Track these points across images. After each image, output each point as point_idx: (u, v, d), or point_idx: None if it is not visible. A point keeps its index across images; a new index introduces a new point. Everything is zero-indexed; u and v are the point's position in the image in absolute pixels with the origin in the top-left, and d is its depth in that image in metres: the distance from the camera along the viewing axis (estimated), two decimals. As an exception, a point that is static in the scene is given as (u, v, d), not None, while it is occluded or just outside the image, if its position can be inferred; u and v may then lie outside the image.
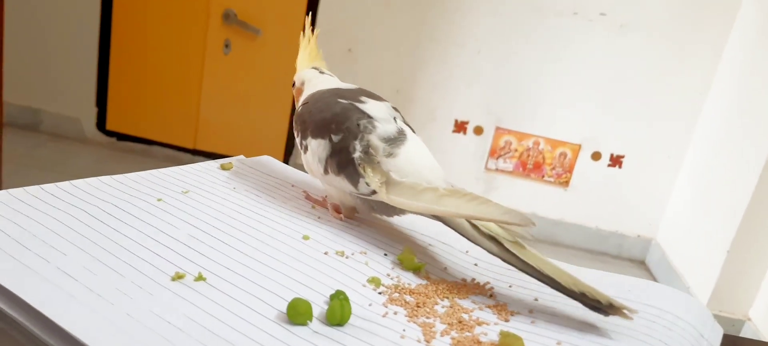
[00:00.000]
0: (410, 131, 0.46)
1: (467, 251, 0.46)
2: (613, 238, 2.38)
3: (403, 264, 0.42)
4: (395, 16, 2.19)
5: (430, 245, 0.46)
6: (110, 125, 2.43)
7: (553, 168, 2.33)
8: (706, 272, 1.95)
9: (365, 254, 0.42)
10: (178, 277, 0.35)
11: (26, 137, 2.36)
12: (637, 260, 2.38)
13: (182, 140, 2.40)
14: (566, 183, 2.35)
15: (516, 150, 2.32)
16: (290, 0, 2.21)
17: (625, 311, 0.36)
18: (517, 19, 2.17)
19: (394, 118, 0.46)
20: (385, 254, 0.43)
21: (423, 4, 2.17)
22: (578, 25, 2.15)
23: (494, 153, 2.33)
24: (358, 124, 0.44)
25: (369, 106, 0.46)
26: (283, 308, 0.34)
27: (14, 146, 2.16)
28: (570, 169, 2.33)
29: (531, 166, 2.33)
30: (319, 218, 0.46)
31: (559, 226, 2.37)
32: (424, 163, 0.44)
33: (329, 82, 0.51)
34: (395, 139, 0.44)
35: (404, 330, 0.35)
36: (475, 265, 0.44)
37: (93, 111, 2.42)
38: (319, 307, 0.35)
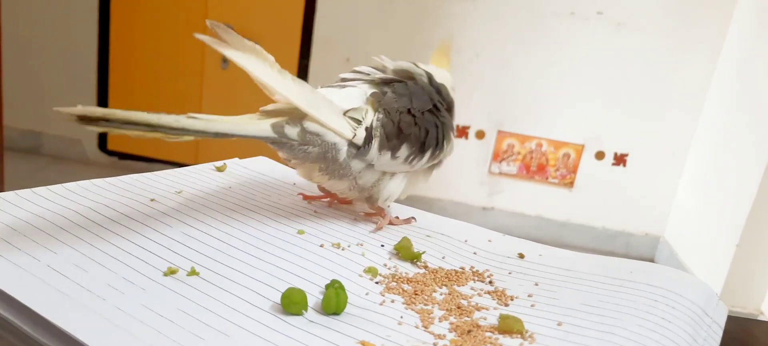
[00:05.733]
0: (352, 88, 0.44)
1: (466, 240, 0.45)
2: (621, 237, 2.36)
3: (400, 253, 0.41)
4: (391, 24, 2.20)
5: (428, 235, 0.45)
6: (112, 145, 2.44)
7: (557, 169, 2.32)
8: (716, 267, 1.93)
9: (362, 245, 0.42)
10: (171, 272, 0.34)
11: (28, 161, 2.37)
12: (645, 259, 2.36)
13: (184, 157, 2.40)
14: (571, 184, 2.34)
15: (519, 153, 2.31)
16: (286, 12, 2.21)
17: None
18: (513, 21, 2.17)
19: (367, 75, 0.45)
20: (382, 245, 0.42)
21: (419, 11, 2.17)
22: (576, 25, 2.15)
23: (497, 157, 2.32)
24: None
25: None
26: (278, 298, 0.33)
27: (16, 170, 2.16)
28: (574, 170, 2.32)
29: (535, 169, 2.33)
30: (315, 212, 0.46)
31: (566, 227, 2.36)
32: None
33: None
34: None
35: (402, 317, 0.34)
36: (474, 253, 0.44)
37: (94, 132, 2.43)
38: (314, 297, 0.35)
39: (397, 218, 0.47)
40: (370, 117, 0.42)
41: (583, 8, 2.13)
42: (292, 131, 0.40)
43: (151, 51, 2.30)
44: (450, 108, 0.48)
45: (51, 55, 2.37)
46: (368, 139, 0.42)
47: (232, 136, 0.38)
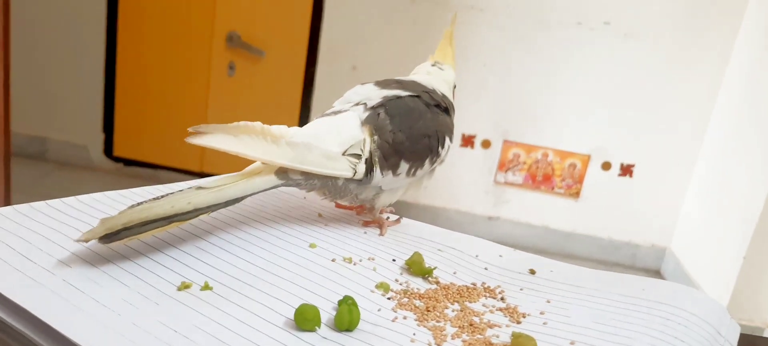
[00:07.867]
0: (347, 113, 0.45)
1: (477, 256, 0.45)
2: (627, 248, 2.36)
3: (411, 269, 0.41)
4: (398, 33, 2.20)
5: (439, 250, 0.45)
6: (117, 151, 2.44)
7: (563, 179, 2.32)
8: (723, 279, 1.93)
9: (373, 260, 0.42)
10: (185, 287, 0.35)
11: (34, 167, 2.37)
12: (651, 270, 2.35)
13: (189, 164, 2.40)
14: (577, 194, 2.33)
15: (525, 163, 2.31)
16: (293, 21, 2.22)
17: None
18: (520, 31, 2.17)
19: (357, 103, 0.46)
20: (394, 260, 0.42)
21: (425, 20, 2.18)
22: (582, 35, 2.15)
23: (503, 166, 2.32)
24: None
25: (360, 89, 0.48)
26: (291, 314, 0.33)
27: (22, 176, 2.17)
28: (580, 180, 2.32)
29: (540, 179, 2.32)
30: (326, 225, 0.46)
31: (572, 238, 2.35)
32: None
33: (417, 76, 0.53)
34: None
35: (414, 334, 0.34)
36: (485, 269, 0.44)
37: (100, 137, 2.43)
38: (327, 313, 0.35)
39: (388, 218, 0.50)
40: (368, 146, 0.44)
41: (590, 18, 2.13)
42: (295, 174, 0.42)
43: (158, 58, 2.31)
44: (448, 110, 0.50)
45: (58, 61, 2.38)
46: (369, 168, 0.44)
47: (244, 198, 0.40)
